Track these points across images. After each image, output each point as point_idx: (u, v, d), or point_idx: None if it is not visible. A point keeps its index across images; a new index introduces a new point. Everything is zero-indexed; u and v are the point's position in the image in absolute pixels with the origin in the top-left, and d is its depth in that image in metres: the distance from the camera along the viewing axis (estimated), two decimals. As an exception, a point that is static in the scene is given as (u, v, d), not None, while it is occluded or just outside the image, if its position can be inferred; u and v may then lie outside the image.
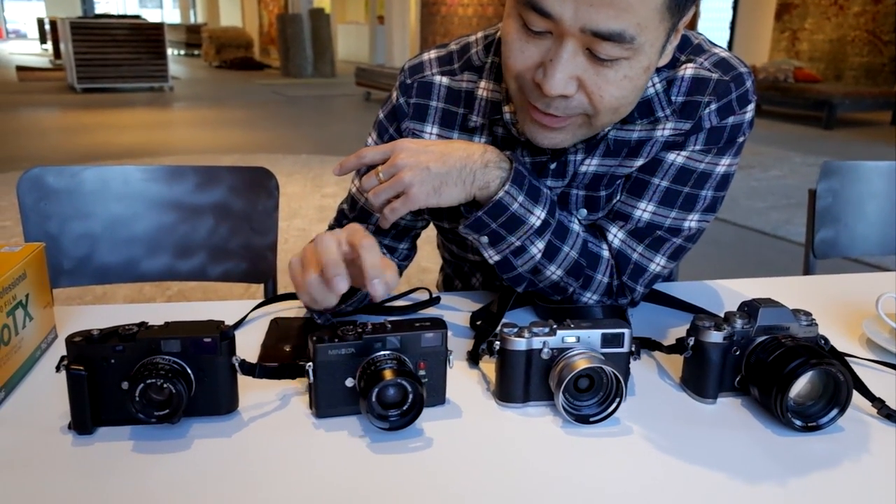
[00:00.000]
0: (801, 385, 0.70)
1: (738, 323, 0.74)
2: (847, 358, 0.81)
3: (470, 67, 0.95)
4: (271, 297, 0.98)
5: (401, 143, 0.84)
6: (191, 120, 8.23)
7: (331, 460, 0.64)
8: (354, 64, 11.83)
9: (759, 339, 0.74)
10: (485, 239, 0.87)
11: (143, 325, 0.67)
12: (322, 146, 6.55)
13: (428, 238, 1.12)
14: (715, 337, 0.73)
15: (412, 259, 1.07)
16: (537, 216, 0.85)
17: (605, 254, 0.92)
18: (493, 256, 0.88)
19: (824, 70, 9.57)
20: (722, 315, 0.77)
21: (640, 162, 0.91)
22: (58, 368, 0.65)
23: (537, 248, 0.87)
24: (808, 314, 0.75)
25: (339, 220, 1.06)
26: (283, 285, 1.39)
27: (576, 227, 0.90)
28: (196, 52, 18.08)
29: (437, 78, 0.96)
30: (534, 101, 0.80)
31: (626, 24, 0.70)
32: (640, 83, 0.78)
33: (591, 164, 0.92)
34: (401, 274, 1.06)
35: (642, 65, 0.76)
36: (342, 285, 0.69)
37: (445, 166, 0.81)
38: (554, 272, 0.89)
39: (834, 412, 0.69)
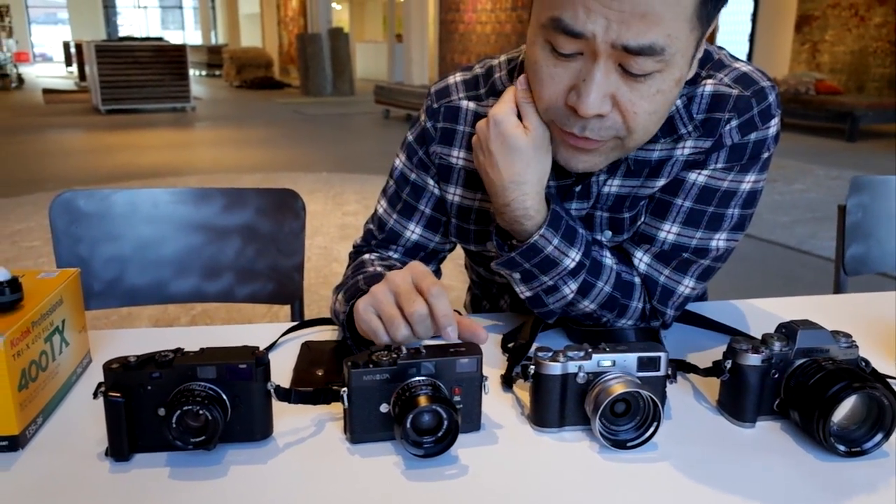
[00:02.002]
0: (844, 409, 0.68)
1: (777, 345, 0.73)
2: (889, 380, 0.79)
3: (495, 93, 0.94)
4: (303, 321, 0.98)
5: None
6: (213, 139, 8.34)
7: (366, 486, 0.64)
8: (373, 82, 11.93)
9: (799, 362, 0.72)
10: (517, 275, 0.87)
11: (178, 351, 0.67)
12: (342, 164, 6.60)
13: (450, 256, 1.12)
14: (753, 360, 0.72)
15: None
16: (572, 258, 0.84)
17: (638, 280, 0.92)
18: (524, 292, 0.88)
19: (846, 82, 9.49)
20: (757, 336, 0.75)
21: (661, 182, 0.90)
22: (95, 395, 0.65)
23: (570, 288, 0.86)
24: (847, 336, 0.74)
25: (368, 241, 1.06)
26: (307, 304, 1.40)
27: (608, 261, 0.89)
28: (217, 72, 18.34)
29: (464, 103, 0.96)
30: (569, 128, 0.79)
31: (657, 37, 0.70)
32: (671, 97, 0.77)
33: (614, 185, 0.91)
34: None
35: (674, 77, 0.75)
36: (455, 334, 0.75)
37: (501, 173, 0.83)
38: (587, 306, 0.89)
39: (879, 437, 0.68)
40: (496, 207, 0.85)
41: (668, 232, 0.91)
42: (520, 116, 0.82)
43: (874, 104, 8.27)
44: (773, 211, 4.84)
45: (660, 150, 0.89)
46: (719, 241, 0.91)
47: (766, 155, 0.90)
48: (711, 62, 0.89)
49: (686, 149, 0.88)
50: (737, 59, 0.91)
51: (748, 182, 0.90)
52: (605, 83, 0.74)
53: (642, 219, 0.93)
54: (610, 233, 0.94)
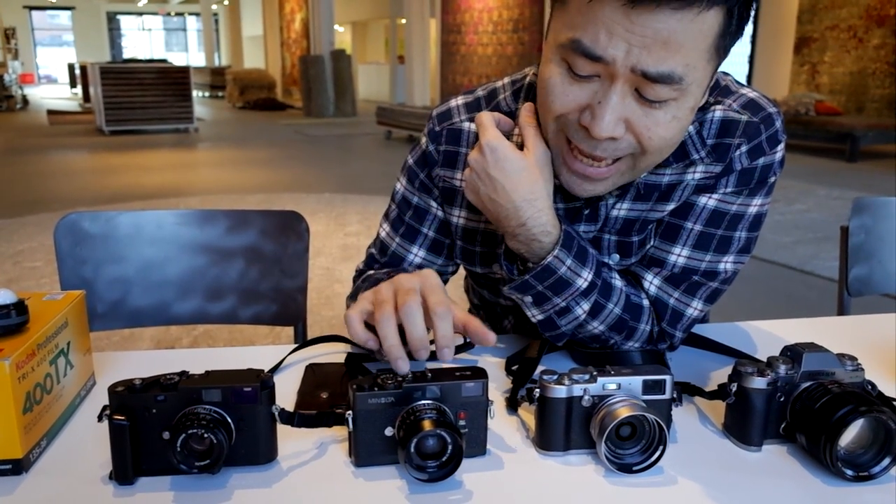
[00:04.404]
0: (851, 433, 0.68)
1: (782, 368, 0.72)
2: None
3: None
4: (307, 340, 0.98)
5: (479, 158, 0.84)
6: (216, 160, 8.37)
7: (371, 511, 0.64)
8: (375, 103, 12.00)
9: (804, 385, 0.72)
10: (529, 299, 0.86)
11: (183, 374, 0.67)
12: (345, 185, 6.62)
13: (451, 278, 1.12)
14: (758, 383, 0.72)
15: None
16: (584, 278, 0.84)
17: (646, 302, 0.92)
18: (536, 316, 0.88)
19: (845, 103, 9.54)
20: (761, 358, 0.75)
21: (671, 206, 0.91)
22: (100, 418, 0.65)
23: (583, 308, 0.86)
24: (853, 359, 0.74)
25: (370, 265, 1.06)
26: (309, 325, 1.39)
27: (618, 282, 0.89)
28: (220, 93, 18.47)
29: (466, 125, 0.96)
30: (578, 142, 0.79)
31: (676, 65, 0.71)
32: (685, 123, 0.78)
33: (623, 209, 0.91)
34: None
35: (689, 105, 0.76)
36: (450, 356, 0.78)
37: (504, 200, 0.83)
38: (597, 327, 0.89)
39: (886, 461, 0.67)
40: (509, 231, 0.84)
41: (679, 255, 0.91)
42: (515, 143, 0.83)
43: (874, 125, 8.31)
44: (776, 231, 4.84)
45: (670, 175, 0.89)
46: (727, 263, 0.92)
47: (772, 179, 0.91)
48: (719, 88, 0.90)
49: (697, 173, 0.89)
50: (742, 85, 0.92)
51: (755, 206, 0.91)
52: (621, 107, 0.74)
53: (650, 242, 0.93)
54: (617, 256, 0.94)
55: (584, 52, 0.72)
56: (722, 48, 0.74)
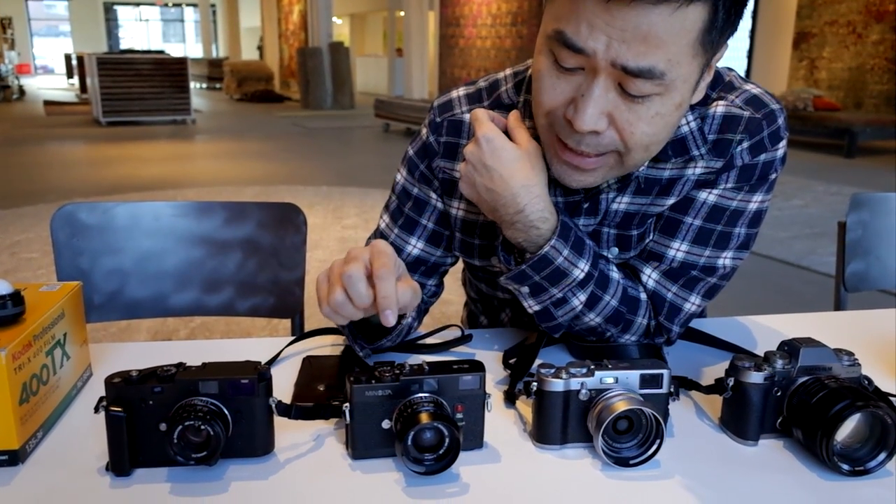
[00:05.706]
0: (847, 428, 0.68)
1: (779, 363, 0.73)
2: (892, 398, 0.79)
3: (500, 105, 0.95)
4: (305, 333, 0.98)
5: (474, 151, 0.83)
6: (213, 152, 8.35)
7: (367, 503, 0.64)
8: (373, 96, 11.98)
9: (801, 380, 0.72)
10: (525, 289, 0.86)
11: (180, 365, 0.67)
12: (342, 177, 6.61)
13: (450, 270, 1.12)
14: (755, 377, 0.72)
15: (439, 296, 1.07)
16: (581, 269, 0.84)
17: (643, 296, 0.92)
18: (533, 306, 0.88)
19: (843, 98, 9.54)
20: (758, 353, 0.75)
21: (671, 201, 0.91)
22: (96, 409, 0.65)
23: (579, 299, 0.86)
24: (850, 354, 0.74)
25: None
26: (307, 317, 1.39)
27: (615, 274, 0.89)
28: (218, 85, 18.41)
29: (467, 116, 0.96)
30: (564, 138, 0.79)
31: (657, 60, 0.70)
32: (671, 120, 0.78)
33: (622, 202, 0.91)
34: (427, 310, 1.06)
35: (674, 101, 0.76)
36: (393, 319, 0.73)
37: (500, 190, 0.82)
38: (593, 319, 0.89)
39: (882, 456, 0.68)
40: (507, 220, 0.84)
41: (678, 250, 0.91)
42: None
43: (872, 120, 8.31)
44: (773, 226, 4.85)
45: (671, 169, 0.89)
46: (726, 259, 0.92)
47: (773, 176, 0.91)
48: (722, 84, 0.90)
49: (698, 169, 0.89)
50: (747, 81, 0.91)
51: (755, 202, 0.91)
52: (603, 101, 0.74)
53: (650, 236, 0.93)
54: (616, 249, 0.94)
55: (566, 44, 0.72)
56: (708, 43, 0.73)
